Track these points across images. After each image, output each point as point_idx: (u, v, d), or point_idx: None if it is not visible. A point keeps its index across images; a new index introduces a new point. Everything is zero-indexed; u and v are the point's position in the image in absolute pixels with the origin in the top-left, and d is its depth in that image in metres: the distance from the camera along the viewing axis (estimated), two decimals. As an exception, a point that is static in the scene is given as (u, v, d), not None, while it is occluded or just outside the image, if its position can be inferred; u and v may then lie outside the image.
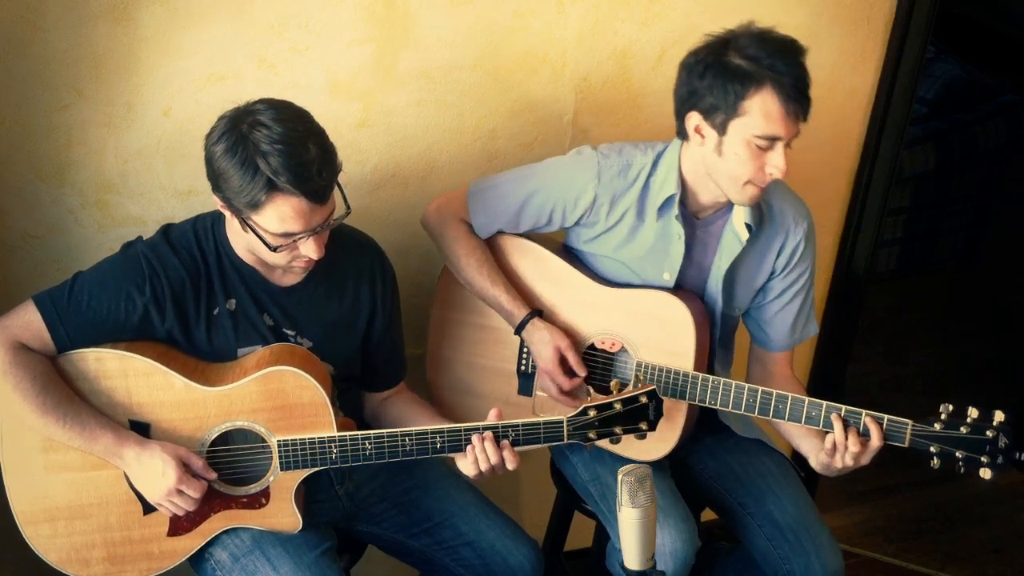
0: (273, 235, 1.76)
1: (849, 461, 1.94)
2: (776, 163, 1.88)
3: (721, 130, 1.89)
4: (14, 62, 1.99)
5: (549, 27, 2.27)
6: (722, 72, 1.86)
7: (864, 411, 1.92)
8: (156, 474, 1.82)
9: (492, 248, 2.16)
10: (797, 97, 1.84)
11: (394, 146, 2.29)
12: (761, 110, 1.84)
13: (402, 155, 2.30)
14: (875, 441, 1.92)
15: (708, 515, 2.29)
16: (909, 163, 4.14)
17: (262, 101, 1.76)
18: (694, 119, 1.92)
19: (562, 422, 1.88)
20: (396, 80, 2.22)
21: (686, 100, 1.93)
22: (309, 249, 1.79)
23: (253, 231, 1.77)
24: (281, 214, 1.73)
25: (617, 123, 2.40)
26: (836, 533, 2.23)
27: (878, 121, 2.62)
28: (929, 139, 4.19)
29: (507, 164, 2.35)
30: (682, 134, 1.98)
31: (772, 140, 1.86)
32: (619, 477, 1.56)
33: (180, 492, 1.83)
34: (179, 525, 1.91)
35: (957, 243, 4.50)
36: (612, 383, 1.89)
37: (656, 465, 2.15)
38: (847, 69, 2.55)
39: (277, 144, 1.69)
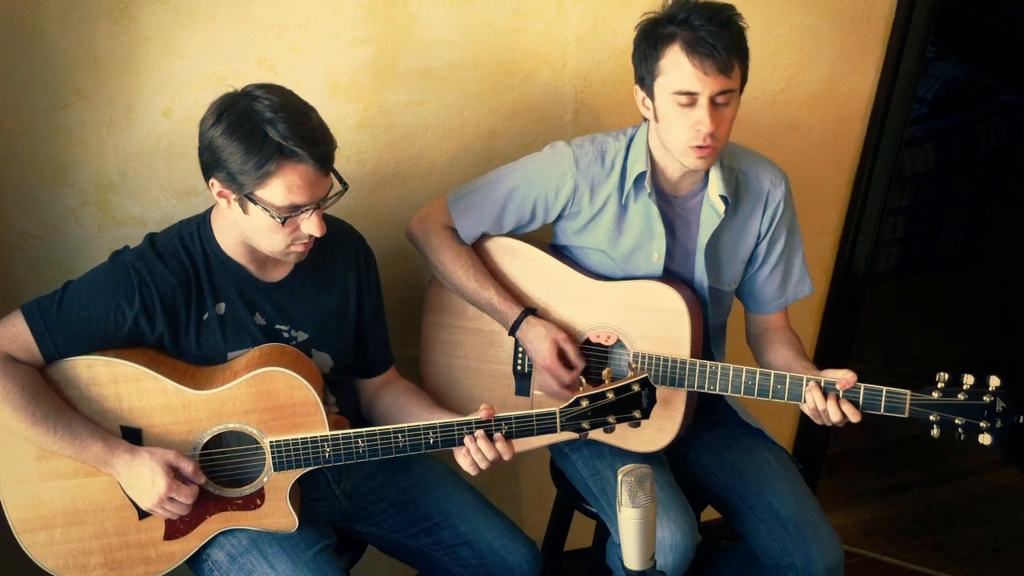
0: (279, 208, 1.75)
1: (834, 423, 1.96)
2: (699, 119, 1.88)
3: (651, 95, 1.94)
4: (14, 62, 1.99)
5: (549, 27, 2.27)
6: (646, 41, 1.92)
7: (863, 385, 1.92)
8: (146, 482, 1.82)
9: (479, 252, 2.16)
10: (709, 51, 1.84)
11: (394, 146, 2.29)
12: (672, 65, 1.88)
13: (402, 155, 2.31)
14: (853, 417, 1.94)
15: (709, 515, 2.29)
16: (909, 163, 4.14)
17: (250, 84, 1.77)
18: (638, 93, 1.98)
19: (555, 413, 1.88)
20: (396, 80, 2.22)
21: (635, 78, 1.99)
22: (311, 226, 1.78)
23: (259, 207, 1.75)
24: (289, 183, 1.73)
25: (617, 123, 2.40)
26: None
27: (878, 121, 2.62)
28: (929, 139, 4.19)
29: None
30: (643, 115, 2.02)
31: (690, 95, 1.87)
32: (619, 477, 1.56)
33: (171, 499, 1.83)
34: (175, 528, 1.91)
35: (957, 243, 4.50)
36: (604, 372, 1.90)
37: (655, 459, 2.15)
38: (847, 69, 2.55)
39: (280, 112, 1.71)
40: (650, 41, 1.91)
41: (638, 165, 2.04)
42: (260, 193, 1.74)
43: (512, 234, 2.16)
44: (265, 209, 1.75)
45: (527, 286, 2.15)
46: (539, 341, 2.07)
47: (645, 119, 2.03)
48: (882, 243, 3.38)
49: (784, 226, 2.14)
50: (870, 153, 2.67)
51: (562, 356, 2.08)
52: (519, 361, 2.18)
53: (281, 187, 1.73)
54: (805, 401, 1.95)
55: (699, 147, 1.91)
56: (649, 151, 2.04)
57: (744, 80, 1.93)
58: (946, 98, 4.43)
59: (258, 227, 1.79)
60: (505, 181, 2.10)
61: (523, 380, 2.19)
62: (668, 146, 1.97)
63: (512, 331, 2.10)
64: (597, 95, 2.38)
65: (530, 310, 2.10)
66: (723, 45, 1.85)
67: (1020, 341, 3.99)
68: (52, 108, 2.05)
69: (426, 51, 2.21)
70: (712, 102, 1.88)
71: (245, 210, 1.78)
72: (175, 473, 1.83)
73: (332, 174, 1.80)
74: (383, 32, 2.16)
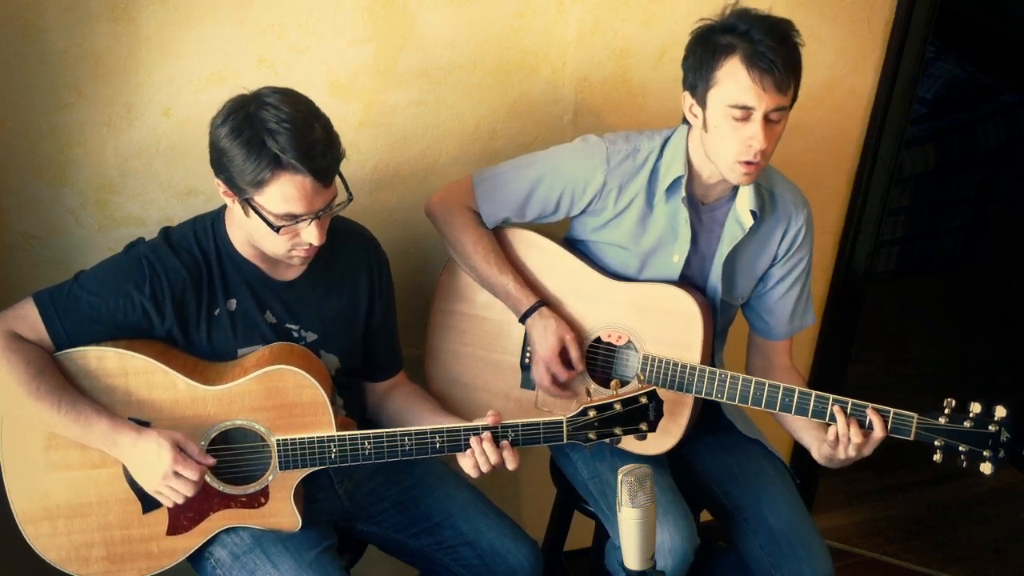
0: (276, 216, 1.75)
1: (852, 452, 1.95)
2: (752, 135, 1.87)
3: (703, 104, 1.92)
4: (14, 62, 1.99)
5: (549, 27, 2.27)
6: (702, 47, 1.91)
7: (869, 404, 1.94)
8: (152, 458, 1.80)
9: (498, 241, 2.16)
10: (769, 67, 1.83)
11: (394, 146, 2.29)
12: (730, 77, 1.86)
13: (402, 155, 2.31)
14: (878, 433, 1.93)
15: (705, 516, 2.29)
16: (909, 163, 4.14)
17: (268, 87, 1.77)
18: (687, 99, 1.97)
19: (562, 422, 1.88)
20: (396, 80, 2.22)
21: (683, 83, 1.98)
22: (311, 235, 1.79)
23: (256, 212, 1.76)
24: (285, 193, 1.73)
25: (617, 123, 2.40)
26: (836, 533, 2.22)
27: (878, 121, 2.62)
28: (929, 139, 4.20)
29: (507, 164, 2.35)
30: (685, 119, 2.01)
31: (746, 110, 1.87)
32: (619, 477, 1.56)
33: (177, 475, 1.80)
34: (178, 524, 1.91)
35: (957, 243, 4.50)
36: (612, 383, 1.89)
37: (656, 462, 2.15)
38: (847, 69, 2.55)
39: (285, 123, 1.71)
40: (707, 48, 1.90)
41: (675, 168, 2.03)
42: (258, 199, 1.75)
43: (532, 224, 2.16)
44: (261, 216, 1.76)
45: (542, 279, 2.15)
46: (546, 333, 2.07)
47: (685, 123, 2.02)
48: (882, 243, 3.37)
49: (803, 251, 2.13)
50: (870, 153, 2.67)
51: (563, 354, 2.08)
52: (527, 354, 2.18)
53: (277, 196, 1.73)
54: (830, 417, 1.95)
55: (747, 163, 1.90)
56: (688, 156, 2.03)
57: (795, 98, 1.92)
58: (946, 98, 4.43)
59: (258, 231, 1.80)
60: (534, 168, 2.09)
61: (530, 373, 2.19)
62: (714, 158, 1.95)
63: (523, 319, 2.10)
64: (597, 95, 2.38)
65: (545, 302, 2.10)
66: (782, 62, 1.84)
67: (1020, 341, 3.99)
68: (52, 108, 2.05)
69: (426, 51, 2.21)
70: (766, 118, 1.87)
71: (246, 213, 1.79)
72: (181, 451, 1.82)
73: (339, 182, 1.80)
74: (383, 32, 2.16)
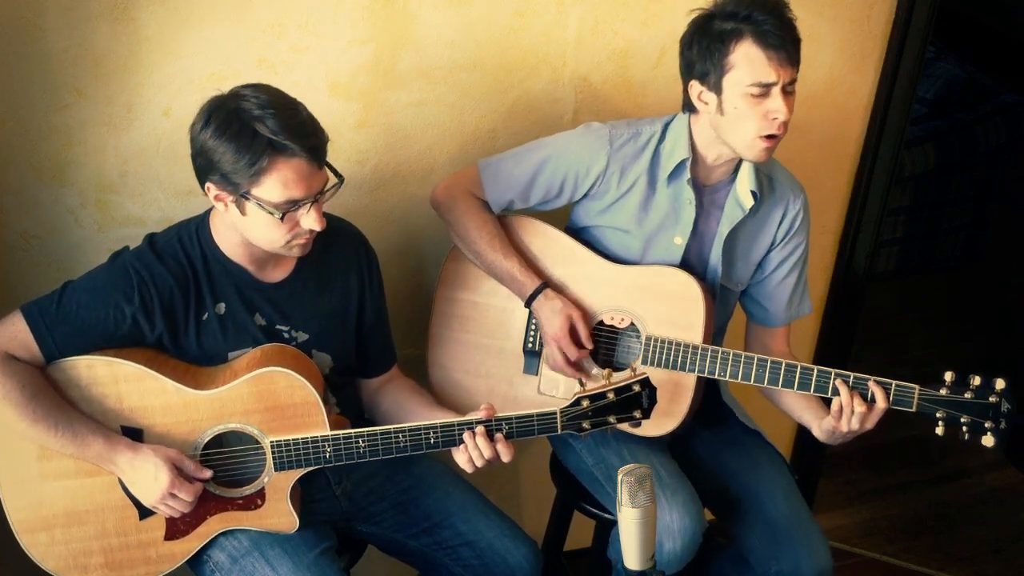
0: (276, 205, 1.75)
1: (855, 424, 1.97)
2: (776, 107, 1.92)
3: (717, 90, 1.95)
4: (14, 62, 1.99)
5: (549, 27, 2.27)
6: (706, 36, 1.95)
7: (871, 377, 1.96)
8: (149, 478, 1.81)
9: (502, 228, 2.17)
10: (779, 43, 1.89)
11: (394, 146, 2.29)
12: (745, 60, 1.91)
13: (402, 155, 2.31)
14: (881, 403, 1.95)
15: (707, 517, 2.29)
16: (909, 163, 4.14)
17: (236, 86, 1.77)
18: (695, 88, 1.99)
19: (555, 413, 1.89)
20: (396, 80, 2.22)
21: (685, 73, 2.01)
22: (311, 220, 1.78)
23: (257, 205, 1.75)
24: (284, 179, 1.73)
25: (617, 123, 2.40)
26: (836, 533, 2.22)
27: (878, 121, 2.62)
28: (929, 139, 4.20)
29: (507, 164, 2.35)
30: (689, 107, 2.04)
31: (765, 87, 1.91)
32: (619, 477, 1.56)
33: (174, 495, 1.83)
34: (176, 528, 1.91)
35: (957, 243, 4.50)
36: (604, 372, 1.91)
37: (660, 446, 2.17)
38: (847, 69, 2.55)
39: (268, 108, 1.71)
40: (712, 36, 1.93)
41: (678, 152, 2.05)
42: (256, 191, 1.74)
43: (535, 210, 2.17)
44: (262, 207, 1.75)
45: (546, 264, 2.16)
46: (553, 314, 2.08)
47: (687, 110, 2.05)
48: (882, 243, 3.37)
49: (801, 236, 2.16)
50: (870, 153, 2.67)
51: (573, 333, 2.09)
52: (530, 339, 2.18)
53: (276, 183, 1.73)
54: (832, 391, 1.97)
55: (769, 137, 1.94)
56: (692, 140, 2.05)
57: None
58: (946, 98, 4.43)
59: (257, 226, 1.79)
60: (538, 152, 2.12)
61: (532, 358, 2.19)
62: (732, 138, 1.98)
63: (528, 302, 2.11)
64: (597, 95, 2.38)
65: (549, 284, 2.11)
66: (789, 37, 1.91)
67: (1020, 341, 3.99)
68: (52, 108, 2.05)
69: (426, 51, 2.21)
70: (783, 91, 1.92)
71: (243, 210, 1.78)
72: (178, 471, 1.83)
73: (327, 167, 1.81)
74: (383, 32, 2.16)
